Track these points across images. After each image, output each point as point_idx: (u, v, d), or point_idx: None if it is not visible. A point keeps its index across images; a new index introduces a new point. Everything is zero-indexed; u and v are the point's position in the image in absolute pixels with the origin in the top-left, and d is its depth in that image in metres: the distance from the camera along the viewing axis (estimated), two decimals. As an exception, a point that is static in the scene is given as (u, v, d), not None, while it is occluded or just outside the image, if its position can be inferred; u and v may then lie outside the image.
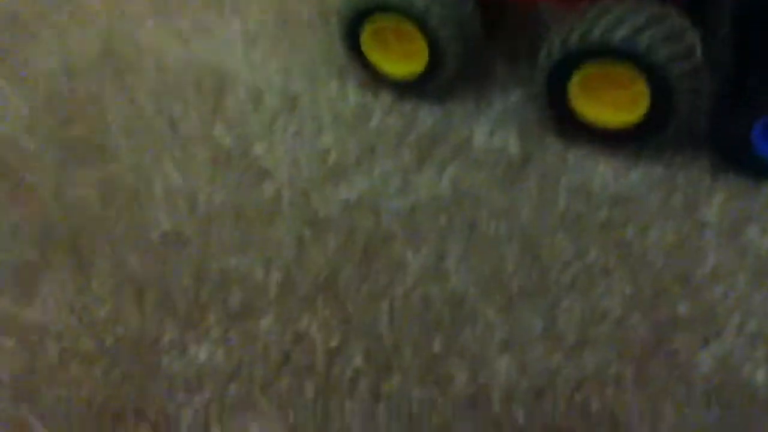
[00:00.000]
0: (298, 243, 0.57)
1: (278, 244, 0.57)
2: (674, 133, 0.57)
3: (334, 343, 0.52)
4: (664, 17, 0.54)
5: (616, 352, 0.50)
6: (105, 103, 0.68)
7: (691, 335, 0.50)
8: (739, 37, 0.63)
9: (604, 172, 0.59)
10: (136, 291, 0.56)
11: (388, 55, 0.64)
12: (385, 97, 0.66)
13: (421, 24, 0.59)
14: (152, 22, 0.76)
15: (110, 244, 0.58)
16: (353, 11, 0.61)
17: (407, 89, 0.65)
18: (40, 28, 0.77)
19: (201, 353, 0.52)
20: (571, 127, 0.60)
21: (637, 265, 0.53)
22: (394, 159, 0.61)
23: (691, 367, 0.49)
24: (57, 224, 0.60)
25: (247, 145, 0.64)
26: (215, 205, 0.60)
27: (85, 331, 0.54)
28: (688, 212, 0.56)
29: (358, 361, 0.51)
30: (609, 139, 0.59)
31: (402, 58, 0.63)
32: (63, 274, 0.57)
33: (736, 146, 0.57)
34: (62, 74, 0.72)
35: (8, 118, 0.68)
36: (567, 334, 0.51)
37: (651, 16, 0.54)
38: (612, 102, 0.58)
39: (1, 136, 0.67)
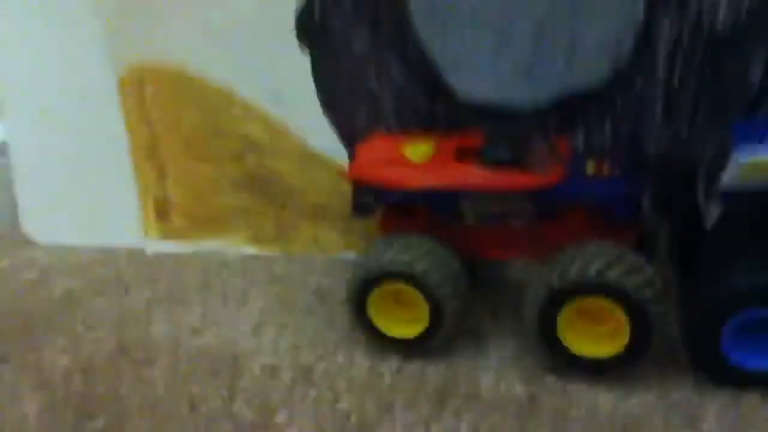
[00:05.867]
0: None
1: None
2: (656, 357, 0.65)
3: None
4: (623, 255, 0.65)
5: None
6: (123, 395, 0.71)
7: None
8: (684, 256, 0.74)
9: (604, 401, 0.65)
10: None
11: (391, 320, 0.72)
12: (392, 360, 0.72)
13: (421, 286, 0.69)
14: (162, 318, 0.82)
15: None
16: (362, 279, 0.70)
17: (412, 350, 0.72)
18: (50, 332, 0.82)
19: None
20: (564, 361, 0.67)
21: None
22: (414, 412, 0.65)
23: None
24: None
25: (269, 414, 0.66)
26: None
27: None
28: (691, 427, 0.61)
29: None
30: (600, 370, 0.66)
31: (405, 321, 0.71)
32: None
33: (711, 362, 0.64)
34: (78, 372, 0.75)
35: (26, 420, 0.69)
36: None
37: (613, 256, 0.65)
38: (598, 335, 0.66)
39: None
